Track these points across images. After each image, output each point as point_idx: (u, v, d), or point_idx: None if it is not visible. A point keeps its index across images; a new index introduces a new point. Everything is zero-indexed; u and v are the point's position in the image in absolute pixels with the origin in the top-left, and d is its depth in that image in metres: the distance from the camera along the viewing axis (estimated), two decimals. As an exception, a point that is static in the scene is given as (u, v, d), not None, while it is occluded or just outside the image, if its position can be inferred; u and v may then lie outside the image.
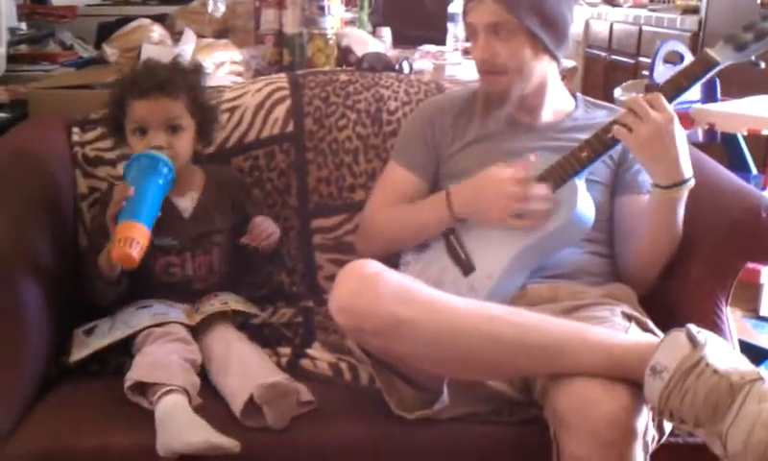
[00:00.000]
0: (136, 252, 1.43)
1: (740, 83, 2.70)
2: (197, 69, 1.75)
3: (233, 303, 1.63)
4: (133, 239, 1.44)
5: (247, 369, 1.45)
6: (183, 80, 1.67)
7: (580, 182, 1.56)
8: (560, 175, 1.55)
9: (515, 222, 1.55)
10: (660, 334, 1.38)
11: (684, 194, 1.51)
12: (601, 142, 1.54)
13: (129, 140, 1.65)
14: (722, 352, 1.25)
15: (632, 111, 1.47)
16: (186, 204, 1.67)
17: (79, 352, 1.51)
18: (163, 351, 1.45)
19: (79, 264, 1.63)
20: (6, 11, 2.39)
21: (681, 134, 1.47)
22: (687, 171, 1.50)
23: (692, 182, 1.50)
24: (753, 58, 1.53)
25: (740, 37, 1.50)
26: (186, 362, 1.46)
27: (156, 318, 1.53)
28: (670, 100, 1.49)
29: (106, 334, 1.52)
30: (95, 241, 1.60)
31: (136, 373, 1.41)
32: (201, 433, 1.30)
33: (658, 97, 1.47)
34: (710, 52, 1.52)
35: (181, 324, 1.54)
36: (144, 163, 1.55)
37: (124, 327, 1.52)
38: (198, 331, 1.56)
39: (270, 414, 1.38)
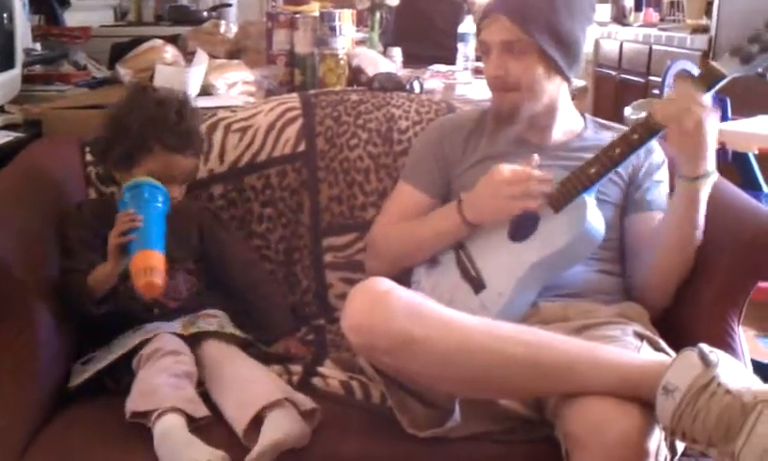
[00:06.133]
0: (161, 279, 1.45)
1: (751, 101, 2.70)
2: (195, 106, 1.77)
3: (230, 328, 1.62)
4: (155, 268, 1.45)
5: (243, 394, 1.43)
6: (201, 131, 1.72)
7: (589, 198, 1.56)
8: (569, 191, 1.55)
9: (524, 204, 1.55)
10: (672, 354, 1.37)
11: (707, 188, 1.51)
12: (609, 158, 1.54)
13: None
14: (734, 372, 1.24)
15: (678, 101, 1.46)
16: None
17: (78, 378, 1.51)
18: (151, 374, 1.44)
19: (63, 283, 1.55)
20: (21, 32, 2.41)
21: (715, 129, 1.48)
22: (712, 165, 1.50)
23: (716, 176, 1.51)
24: (759, 70, 1.52)
25: (746, 49, 1.50)
26: (177, 377, 1.44)
27: (148, 332, 1.53)
28: None
29: (102, 360, 1.52)
30: (77, 260, 1.56)
31: (130, 403, 1.41)
32: (190, 453, 1.31)
33: (698, 93, 1.46)
34: (716, 65, 1.50)
35: (174, 333, 1.54)
36: (146, 194, 1.56)
37: (118, 349, 1.52)
38: (195, 345, 1.55)
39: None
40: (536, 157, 1.58)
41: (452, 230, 1.65)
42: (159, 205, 1.56)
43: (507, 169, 1.57)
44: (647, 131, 1.53)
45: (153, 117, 1.63)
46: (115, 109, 1.68)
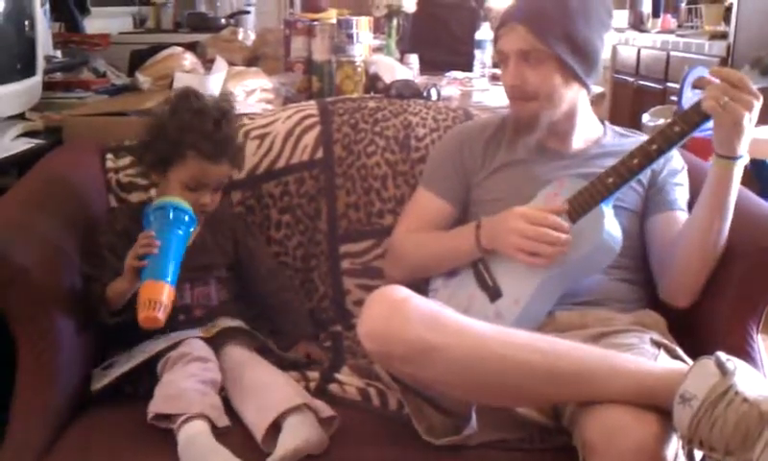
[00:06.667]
0: (162, 314, 1.43)
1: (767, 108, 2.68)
2: (235, 116, 1.77)
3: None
4: (159, 302, 1.42)
5: (263, 399, 1.44)
6: (238, 139, 1.72)
7: (607, 209, 1.56)
8: (586, 201, 1.55)
9: (525, 259, 1.54)
10: (690, 362, 1.37)
11: (740, 170, 1.49)
12: (627, 168, 1.54)
13: (171, 186, 1.64)
14: (752, 380, 1.24)
15: (729, 89, 1.43)
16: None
17: (100, 382, 1.51)
18: (179, 378, 1.45)
19: (84, 290, 1.56)
20: (42, 39, 2.43)
21: (756, 115, 1.46)
22: (745, 148, 1.48)
23: (747, 159, 1.49)
24: None
25: (765, 61, 1.50)
26: (204, 384, 1.45)
27: (172, 339, 1.54)
28: (697, 126, 1.49)
29: (124, 365, 1.52)
30: (101, 268, 1.57)
31: (155, 405, 1.42)
32: None
33: (744, 78, 1.45)
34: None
35: (199, 337, 1.55)
36: (171, 216, 1.54)
37: (141, 355, 1.53)
38: (216, 349, 1.57)
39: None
40: (549, 189, 1.59)
41: (468, 250, 1.65)
42: (181, 231, 1.54)
43: (526, 219, 1.54)
44: (665, 141, 1.52)
45: (190, 124, 1.64)
46: (157, 113, 1.70)
